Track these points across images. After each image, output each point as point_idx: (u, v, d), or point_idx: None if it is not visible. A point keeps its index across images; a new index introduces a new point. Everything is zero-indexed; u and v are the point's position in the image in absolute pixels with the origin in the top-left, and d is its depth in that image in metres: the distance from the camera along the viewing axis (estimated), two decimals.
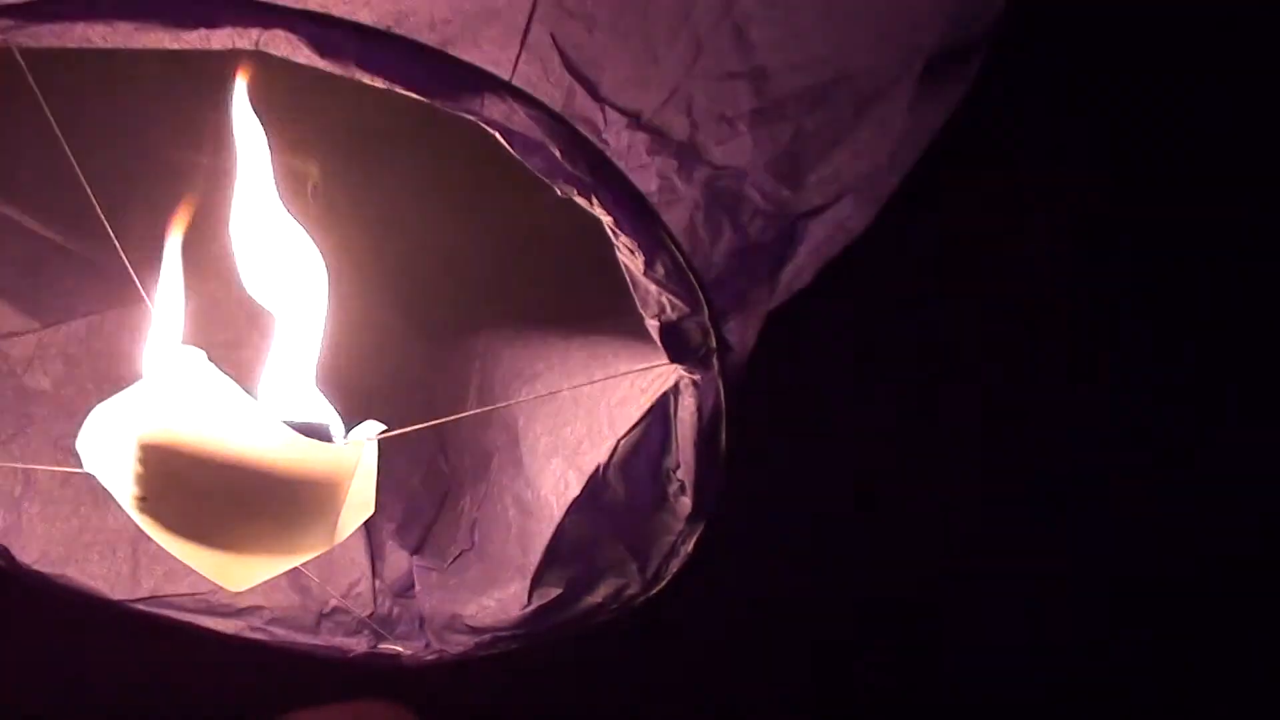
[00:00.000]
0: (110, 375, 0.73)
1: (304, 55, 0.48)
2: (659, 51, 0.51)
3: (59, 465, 0.69)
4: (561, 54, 0.50)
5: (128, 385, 0.70)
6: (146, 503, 0.56)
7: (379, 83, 0.48)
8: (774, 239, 0.55)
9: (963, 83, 0.59)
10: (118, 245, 0.56)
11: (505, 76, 0.50)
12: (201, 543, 0.56)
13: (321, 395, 0.58)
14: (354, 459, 0.55)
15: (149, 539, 0.67)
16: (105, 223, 0.55)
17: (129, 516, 0.65)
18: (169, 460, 0.54)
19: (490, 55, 0.50)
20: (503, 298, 0.74)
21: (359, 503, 0.57)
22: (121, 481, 0.55)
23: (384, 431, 0.56)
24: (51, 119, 0.51)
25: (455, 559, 0.72)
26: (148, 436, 0.54)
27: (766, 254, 0.55)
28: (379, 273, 0.73)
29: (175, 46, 0.48)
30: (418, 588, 0.72)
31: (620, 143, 0.51)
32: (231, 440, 0.54)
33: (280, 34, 0.47)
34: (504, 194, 0.68)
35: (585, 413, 0.63)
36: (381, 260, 0.74)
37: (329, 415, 0.57)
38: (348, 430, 0.57)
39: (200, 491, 0.55)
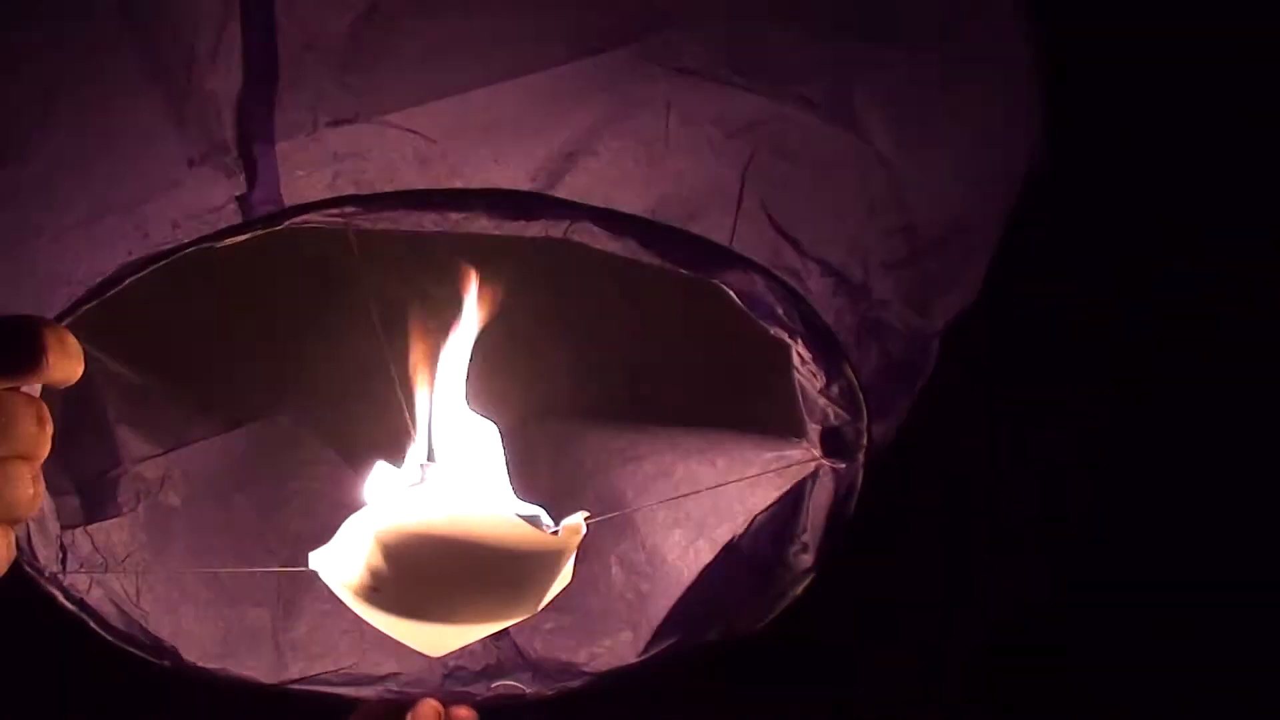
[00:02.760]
0: (221, 491, 0.81)
1: (600, 242, 0.57)
2: (843, 212, 0.63)
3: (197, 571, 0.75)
4: (769, 217, 0.62)
5: (233, 501, 0.78)
6: (378, 593, 0.63)
7: (654, 261, 0.58)
8: (911, 357, 0.67)
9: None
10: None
11: (727, 238, 0.61)
12: (421, 620, 0.64)
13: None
14: (573, 543, 0.65)
15: (284, 631, 0.75)
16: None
17: (271, 615, 0.74)
18: (411, 552, 0.62)
19: (716, 221, 0.61)
20: (580, 385, 0.84)
21: (563, 576, 0.66)
22: (352, 578, 0.63)
23: (589, 518, 0.66)
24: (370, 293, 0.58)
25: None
26: (393, 533, 0.62)
27: (905, 369, 0.68)
28: None
29: (495, 233, 0.56)
30: (513, 633, 0.80)
31: (817, 288, 0.63)
32: (471, 532, 0.63)
33: (586, 225, 0.57)
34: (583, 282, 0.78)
35: (711, 492, 0.74)
36: None
37: (533, 508, 0.67)
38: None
39: (436, 576, 0.63)
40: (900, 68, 0.62)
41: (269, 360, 0.85)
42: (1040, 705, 0.95)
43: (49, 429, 0.51)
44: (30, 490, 0.50)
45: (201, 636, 0.74)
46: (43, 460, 0.51)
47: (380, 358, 0.66)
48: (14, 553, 0.51)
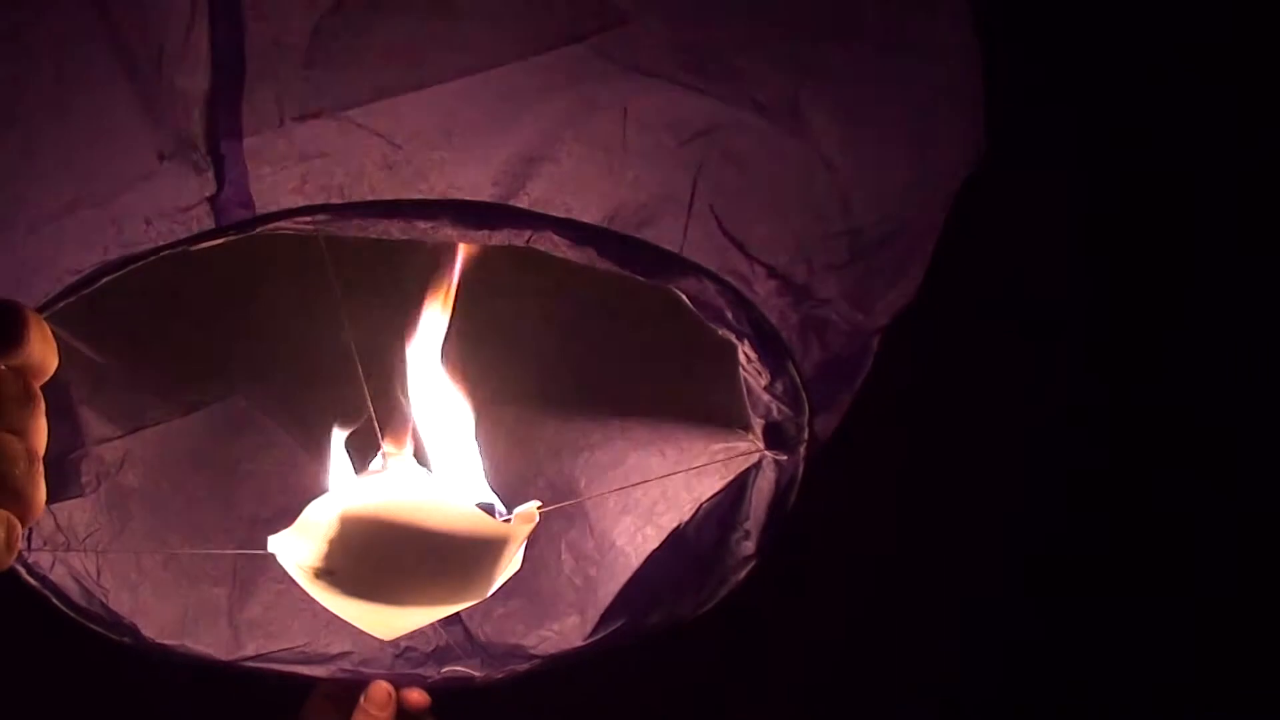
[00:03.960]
0: (176, 474, 0.83)
1: (561, 250, 0.60)
2: (789, 216, 0.66)
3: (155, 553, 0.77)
4: (718, 221, 0.64)
5: (190, 482, 0.80)
6: (333, 576, 0.65)
7: (612, 268, 0.61)
8: (852, 353, 0.70)
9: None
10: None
11: (679, 243, 0.63)
12: (374, 602, 0.67)
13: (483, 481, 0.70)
14: (524, 532, 0.67)
15: (241, 609, 0.77)
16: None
17: (227, 594, 0.76)
18: (368, 537, 0.64)
19: (669, 226, 0.63)
20: (534, 376, 0.86)
21: (513, 563, 0.69)
22: (308, 561, 0.65)
23: (541, 507, 0.68)
24: (336, 286, 0.60)
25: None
26: (350, 519, 0.64)
27: (846, 364, 0.71)
28: None
29: (461, 241, 0.58)
30: (463, 616, 0.83)
31: (763, 290, 0.65)
32: (426, 519, 0.65)
33: (547, 234, 0.59)
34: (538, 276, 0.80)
35: (660, 480, 0.77)
36: None
37: (491, 495, 0.69)
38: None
39: (391, 562, 0.66)
40: (845, 70, 0.64)
41: (226, 344, 0.87)
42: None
43: (39, 405, 0.51)
44: (23, 463, 0.49)
45: (160, 614, 0.76)
46: (39, 443, 0.51)
47: (336, 342, 0.68)
48: (19, 541, 0.50)
